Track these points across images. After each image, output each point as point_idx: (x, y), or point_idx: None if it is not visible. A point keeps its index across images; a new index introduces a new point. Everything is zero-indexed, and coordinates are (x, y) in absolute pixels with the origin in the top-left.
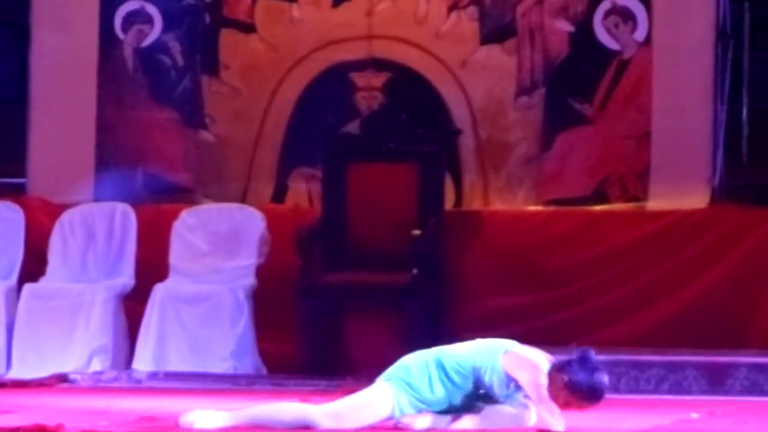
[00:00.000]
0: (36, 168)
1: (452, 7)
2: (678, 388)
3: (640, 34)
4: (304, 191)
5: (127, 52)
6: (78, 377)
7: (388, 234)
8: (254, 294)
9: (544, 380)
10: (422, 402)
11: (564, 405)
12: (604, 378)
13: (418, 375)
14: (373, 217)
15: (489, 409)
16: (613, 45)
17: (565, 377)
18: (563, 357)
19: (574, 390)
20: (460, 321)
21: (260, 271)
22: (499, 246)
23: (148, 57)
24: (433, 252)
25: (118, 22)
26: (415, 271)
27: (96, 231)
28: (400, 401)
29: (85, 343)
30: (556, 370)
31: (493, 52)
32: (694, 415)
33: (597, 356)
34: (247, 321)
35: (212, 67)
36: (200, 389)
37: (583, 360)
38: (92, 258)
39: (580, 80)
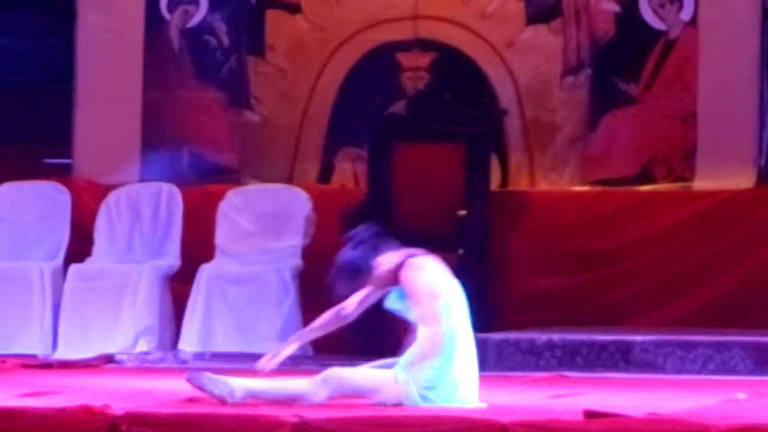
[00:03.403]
0: (82, 149)
1: None
2: (724, 368)
3: (686, 14)
4: (350, 171)
5: (173, 33)
6: (124, 358)
7: (434, 214)
8: (300, 274)
9: None
10: None
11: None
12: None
13: None
14: (419, 197)
15: None
16: (659, 25)
17: None
18: None
19: None
20: (506, 301)
21: (306, 252)
22: (545, 226)
23: (193, 38)
24: (479, 232)
25: (163, 2)
26: (461, 251)
27: (142, 212)
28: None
29: (131, 323)
30: None
31: (539, 32)
32: (741, 396)
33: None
34: (293, 301)
35: (258, 47)
36: (246, 369)
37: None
38: (138, 239)
39: (626, 60)
